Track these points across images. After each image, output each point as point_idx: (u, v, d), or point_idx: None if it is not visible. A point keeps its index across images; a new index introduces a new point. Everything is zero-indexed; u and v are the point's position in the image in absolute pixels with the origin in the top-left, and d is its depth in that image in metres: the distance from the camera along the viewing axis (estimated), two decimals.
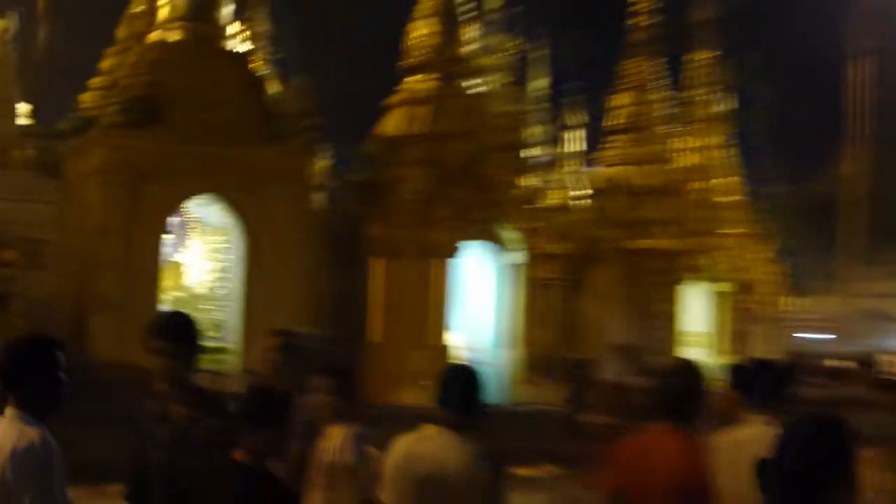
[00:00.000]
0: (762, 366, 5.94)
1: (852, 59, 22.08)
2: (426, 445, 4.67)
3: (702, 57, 26.41)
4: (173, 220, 17.24)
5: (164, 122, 16.51)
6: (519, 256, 19.36)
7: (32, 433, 3.68)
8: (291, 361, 6.70)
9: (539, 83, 22.59)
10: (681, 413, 5.08)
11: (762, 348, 23.21)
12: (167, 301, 16.96)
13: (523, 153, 20.24)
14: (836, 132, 26.96)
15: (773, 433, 4.49)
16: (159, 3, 18.32)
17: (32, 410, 3.75)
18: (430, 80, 19.23)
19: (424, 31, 19.34)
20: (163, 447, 4.58)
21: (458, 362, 7.83)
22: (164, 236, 16.94)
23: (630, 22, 23.68)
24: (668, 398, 5.21)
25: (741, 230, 25.75)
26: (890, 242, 33.74)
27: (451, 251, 18.29)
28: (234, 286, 17.48)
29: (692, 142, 25.53)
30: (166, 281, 17.19)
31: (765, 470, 2.89)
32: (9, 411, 3.77)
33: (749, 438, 4.98)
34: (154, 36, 18.03)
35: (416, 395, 16.28)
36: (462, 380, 4.87)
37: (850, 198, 24.12)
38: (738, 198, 26.26)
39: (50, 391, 3.85)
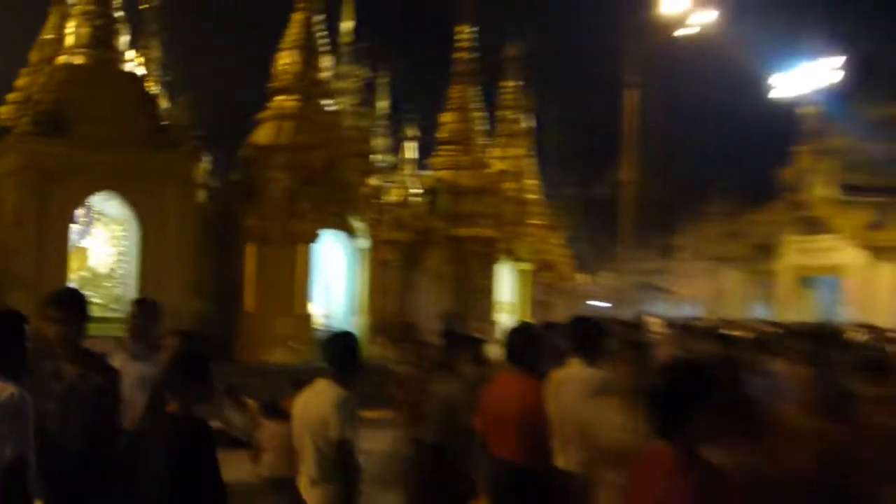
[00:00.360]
0: (578, 323, 6.61)
1: (626, 89, 24.14)
2: (316, 394, 5.12)
3: (509, 84, 28.18)
4: (79, 213, 17.17)
5: (69, 131, 16.54)
6: (365, 242, 19.81)
7: (12, 388, 3.86)
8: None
9: (383, 104, 23.35)
10: (523, 361, 5.86)
11: (559, 313, 24.30)
12: (74, 280, 16.89)
13: (370, 160, 20.65)
14: (615, 146, 28.78)
15: (587, 373, 5.73)
16: (66, 32, 18.18)
17: (6, 371, 3.91)
18: (293, 100, 19.40)
19: (289, 59, 19.51)
20: (56, 400, 4.69)
21: (340, 330, 8.53)
22: (71, 226, 16.91)
23: (455, 56, 24.51)
24: (514, 350, 5.99)
25: (541, 222, 27.75)
26: (654, 232, 36.58)
27: (311, 238, 18.61)
28: (131, 267, 17.46)
29: (503, 152, 27.24)
30: (73, 263, 17.16)
31: (649, 401, 3.45)
32: None
33: (569, 377, 5.79)
34: (62, 59, 17.95)
35: (283, 355, 17.22)
36: (344, 343, 5.40)
37: (625, 197, 26.36)
38: (537, 196, 28.31)
39: (19, 355, 4.04)
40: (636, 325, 13.56)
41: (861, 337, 15.86)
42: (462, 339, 8.40)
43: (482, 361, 7.82)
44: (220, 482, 4.20)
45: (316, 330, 18.46)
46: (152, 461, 4.17)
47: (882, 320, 24.00)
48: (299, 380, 7.94)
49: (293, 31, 19.92)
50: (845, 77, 32.57)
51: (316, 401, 5.03)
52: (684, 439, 3.28)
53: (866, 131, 31.72)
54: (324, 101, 20.09)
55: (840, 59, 32.32)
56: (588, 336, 6.18)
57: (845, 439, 4.42)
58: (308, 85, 19.69)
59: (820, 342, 8.11)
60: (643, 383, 3.93)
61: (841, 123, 32.41)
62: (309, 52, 19.83)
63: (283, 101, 19.67)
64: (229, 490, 4.34)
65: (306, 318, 18.71)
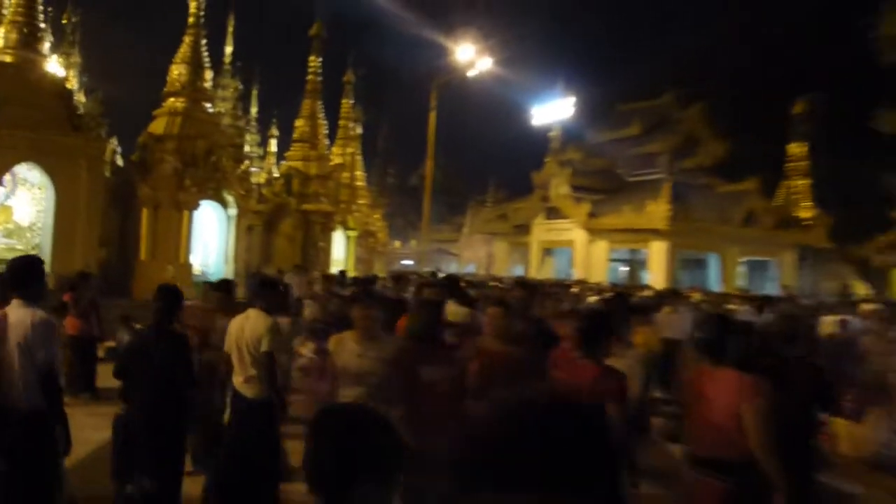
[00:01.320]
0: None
1: (430, 111, 24.69)
2: (249, 319, 4.98)
3: (347, 101, 28.38)
4: (6, 178, 16.37)
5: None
6: (234, 211, 19.70)
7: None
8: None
9: (254, 110, 23.29)
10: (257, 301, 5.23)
11: (377, 268, 25.13)
12: (2, 230, 16.46)
13: (241, 150, 20.47)
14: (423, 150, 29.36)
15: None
16: None
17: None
18: (181, 101, 18.96)
19: (179, 70, 19.09)
20: None
21: (265, 275, 8.24)
22: None
23: (307, 78, 24.43)
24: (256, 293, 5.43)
25: (365, 202, 28.26)
26: (448, 212, 37.86)
27: (192, 206, 18.35)
28: (48, 222, 16.86)
29: (340, 150, 27.62)
30: (0, 217, 16.58)
31: (580, 333, 3.89)
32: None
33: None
34: None
35: None
36: (266, 284, 5.39)
37: (426, 187, 26.98)
38: (363, 184, 28.78)
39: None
40: (432, 275, 14.19)
41: (575, 289, 17.15)
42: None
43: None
44: None
45: (194, 275, 18.32)
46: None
47: (596, 278, 26.10)
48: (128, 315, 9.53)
49: (184, 49, 19.43)
50: (576, 112, 34.44)
51: (251, 324, 4.95)
52: (599, 355, 3.85)
53: (591, 151, 33.87)
54: (206, 104, 19.67)
55: (573, 99, 34.04)
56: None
57: (522, 358, 4.48)
58: (193, 91, 19.23)
59: (528, 291, 8.45)
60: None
61: (574, 144, 34.43)
62: (195, 66, 19.35)
63: (174, 102, 19.15)
64: None
65: (187, 266, 18.37)
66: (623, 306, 6.89)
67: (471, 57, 22.51)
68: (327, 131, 25.13)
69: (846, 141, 35.00)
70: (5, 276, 4.02)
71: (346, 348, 4.43)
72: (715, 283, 28.15)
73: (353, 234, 25.41)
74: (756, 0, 49.13)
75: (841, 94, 37.63)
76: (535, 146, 35.88)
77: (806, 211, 34.13)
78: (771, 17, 46.55)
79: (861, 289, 31.63)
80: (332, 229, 24.01)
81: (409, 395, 3.94)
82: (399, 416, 3.74)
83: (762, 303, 10.19)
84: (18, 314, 3.80)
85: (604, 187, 31.77)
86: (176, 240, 18.30)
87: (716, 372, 3.57)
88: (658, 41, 49.39)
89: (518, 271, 34.00)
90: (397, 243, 37.24)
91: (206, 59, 19.75)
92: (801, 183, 35.33)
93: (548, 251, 33.89)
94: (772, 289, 26.52)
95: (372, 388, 4.18)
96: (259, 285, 5.41)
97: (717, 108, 33.35)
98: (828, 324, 10.03)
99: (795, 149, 35.50)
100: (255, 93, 24.09)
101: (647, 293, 13.97)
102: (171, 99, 19.24)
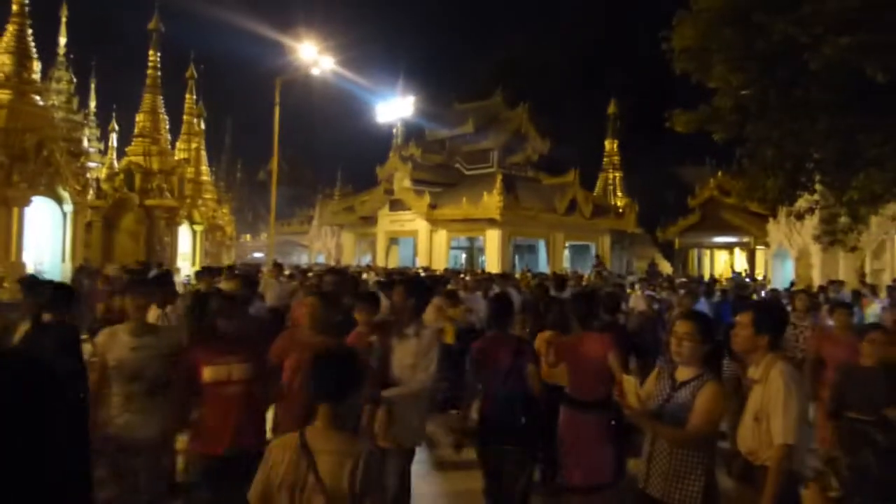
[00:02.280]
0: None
1: (275, 107, 24.05)
2: None
3: (189, 97, 27.34)
4: None
5: None
6: (71, 207, 18.49)
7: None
8: None
9: (93, 104, 21.84)
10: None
11: (228, 262, 24.37)
12: None
13: (77, 145, 19.32)
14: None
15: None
16: None
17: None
18: (6, 93, 17.54)
19: (3, 59, 17.69)
20: None
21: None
22: None
23: (147, 72, 23.47)
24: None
25: (212, 196, 27.37)
26: (298, 205, 37.29)
27: (23, 202, 17.11)
28: None
29: (185, 146, 26.59)
30: None
31: (495, 314, 4.63)
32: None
33: None
34: None
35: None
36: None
37: (273, 181, 26.51)
38: (209, 179, 27.79)
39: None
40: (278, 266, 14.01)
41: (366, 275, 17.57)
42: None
43: None
44: None
45: (28, 274, 16.90)
46: None
47: (438, 265, 26.77)
48: None
49: (7, 38, 18.03)
50: (416, 110, 35.11)
51: None
52: (508, 331, 4.60)
53: (430, 146, 34.65)
54: (35, 96, 18.27)
55: (412, 98, 34.74)
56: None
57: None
58: (20, 83, 17.87)
59: (340, 277, 8.72)
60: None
61: (415, 140, 35.09)
62: (21, 56, 17.99)
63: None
64: None
65: (19, 264, 17.05)
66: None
67: (314, 55, 22.27)
68: (169, 126, 24.26)
69: (650, 138, 38.25)
70: None
71: (119, 341, 3.90)
72: (543, 266, 29.82)
73: (199, 228, 24.66)
74: (575, 11, 52.07)
75: (645, 96, 41.05)
76: (379, 142, 36.24)
77: (619, 200, 36.97)
78: (586, 24, 49.56)
79: (666, 267, 34.81)
80: (177, 224, 23.17)
81: (191, 394, 3.72)
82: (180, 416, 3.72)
83: (562, 281, 11.26)
84: None
85: (442, 181, 32.70)
86: (6, 238, 16.94)
87: (583, 336, 4.63)
88: (489, 43, 51.27)
89: (366, 260, 34.15)
90: (247, 236, 36.16)
91: (33, 50, 18.34)
92: (614, 175, 38.21)
93: (393, 241, 34.35)
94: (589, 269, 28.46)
95: (149, 383, 3.80)
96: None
97: (541, 108, 35.22)
98: (636, 298, 11.07)
99: (609, 145, 38.30)
100: (93, 86, 22.44)
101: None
102: None
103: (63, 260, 18.55)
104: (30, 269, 17.22)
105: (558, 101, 40.22)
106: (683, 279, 19.56)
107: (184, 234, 24.01)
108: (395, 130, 34.87)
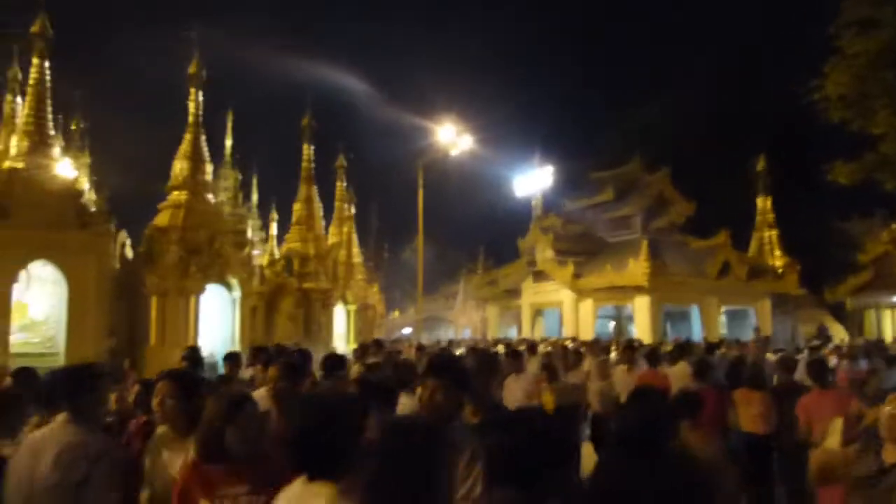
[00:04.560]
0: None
1: (420, 189, 24.81)
2: None
3: (340, 185, 28.66)
4: (21, 275, 16.31)
5: (12, 216, 16.03)
6: (239, 293, 19.66)
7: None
8: None
9: (255, 197, 23.74)
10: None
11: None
12: (17, 327, 16.31)
13: (242, 236, 20.58)
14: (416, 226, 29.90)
15: None
16: (11, 144, 17.81)
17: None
18: (183, 194, 19.16)
19: (181, 166, 19.40)
20: None
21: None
22: (14, 286, 16.12)
23: (302, 165, 24.96)
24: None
25: (362, 277, 28.42)
26: (442, 281, 37.94)
27: (198, 290, 18.42)
28: (61, 316, 16.84)
29: (336, 230, 27.96)
30: (16, 314, 16.42)
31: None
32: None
33: None
34: (6, 164, 17.33)
35: None
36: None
37: (419, 260, 27.05)
38: (360, 260, 28.94)
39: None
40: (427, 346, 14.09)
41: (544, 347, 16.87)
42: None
43: None
44: None
45: (204, 357, 18.14)
46: None
47: (584, 335, 25.99)
48: None
49: (185, 146, 19.85)
50: (554, 182, 35.13)
51: None
52: None
53: (570, 217, 34.34)
54: (207, 195, 19.93)
55: (551, 169, 34.82)
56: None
57: None
58: (195, 184, 19.52)
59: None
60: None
61: (554, 211, 34.94)
62: (196, 160, 19.71)
63: (177, 195, 19.43)
64: None
65: (194, 349, 18.08)
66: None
67: (453, 136, 23.06)
68: (322, 213, 25.48)
69: (804, 193, 35.63)
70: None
71: None
72: (697, 333, 28.09)
73: (352, 307, 25.44)
74: (709, 69, 50.62)
75: (794, 149, 38.58)
76: (519, 216, 36.33)
77: (777, 259, 34.39)
78: (722, 83, 47.90)
79: (839, 331, 31.61)
80: (332, 305, 24.02)
81: None
82: None
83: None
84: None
85: (584, 250, 32.04)
86: (183, 324, 18.22)
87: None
88: (625, 110, 50.81)
89: (511, 333, 33.91)
90: (396, 313, 37.18)
91: (206, 154, 20.08)
92: (770, 234, 35.73)
93: (538, 312, 33.93)
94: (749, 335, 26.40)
95: None
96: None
97: (681, 170, 34.02)
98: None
99: (761, 202, 36.05)
100: (255, 181, 24.57)
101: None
102: (175, 192, 19.48)
103: (232, 343, 19.46)
104: (205, 353, 18.76)
105: (698, 162, 38.68)
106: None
107: (338, 314, 24.86)
108: (533, 203, 34.97)
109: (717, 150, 41.26)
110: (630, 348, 9.86)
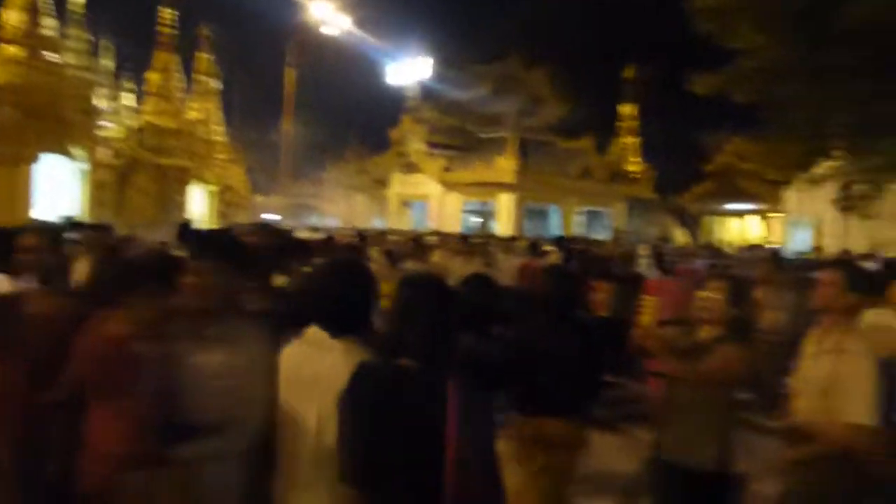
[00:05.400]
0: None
1: (287, 67, 23.95)
2: None
3: (203, 56, 27.00)
4: None
5: None
6: (85, 165, 18.55)
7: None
8: None
9: (107, 62, 21.75)
10: None
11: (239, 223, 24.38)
12: None
13: (90, 103, 19.17)
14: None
15: None
16: None
17: None
18: (20, 50, 17.26)
19: (17, 17, 17.30)
20: None
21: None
22: None
23: (159, 30, 23.18)
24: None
25: (224, 156, 27.20)
26: (309, 167, 37.16)
27: (31, 159, 17.05)
28: None
29: (198, 105, 26.25)
30: None
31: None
32: None
33: None
34: None
35: None
36: None
37: (286, 143, 26.40)
38: (222, 139, 27.56)
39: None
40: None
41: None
42: None
43: None
44: None
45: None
46: None
47: (450, 229, 26.59)
48: None
49: None
50: (432, 73, 34.63)
51: None
52: None
53: (445, 109, 34.23)
54: (48, 53, 18.03)
55: (430, 60, 34.25)
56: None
57: None
58: (33, 39, 17.65)
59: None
60: None
61: (429, 102, 34.64)
62: (35, 11, 17.76)
63: (12, 51, 17.48)
64: None
65: (28, 222, 16.83)
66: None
67: (328, 13, 21.95)
68: (184, 85, 24.01)
69: (668, 102, 37.52)
70: None
71: None
72: (556, 231, 29.65)
73: (212, 188, 24.49)
74: None
75: (663, 59, 40.13)
76: (393, 103, 35.70)
77: (634, 166, 36.52)
78: None
79: (679, 235, 34.54)
80: (188, 183, 23.05)
81: None
82: None
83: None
84: None
85: (457, 144, 32.38)
86: (13, 196, 16.70)
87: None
88: (507, 3, 50.26)
89: (378, 223, 34.07)
90: (260, 197, 36.09)
91: (49, 6, 18.11)
92: (631, 141, 37.65)
93: (406, 204, 34.17)
94: (606, 234, 28.31)
95: None
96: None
97: (557, 72, 34.60)
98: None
99: (625, 110, 37.65)
100: (108, 45, 22.27)
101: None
102: (9, 47, 17.45)
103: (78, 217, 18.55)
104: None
105: (577, 64, 39.43)
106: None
107: (196, 194, 23.92)
108: (407, 93, 34.42)
109: (597, 53, 42.13)
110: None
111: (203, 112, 26.10)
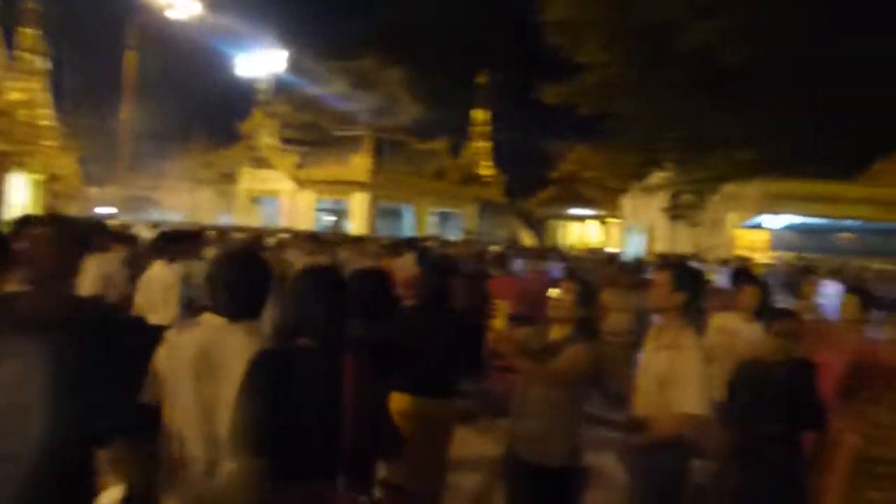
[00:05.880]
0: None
1: (127, 50, 22.43)
2: None
3: (28, 31, 24.56)
4: None
5: None
6: None
7: None
8: None
9: None
10: None
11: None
12: None
13: None
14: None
15: None
16: None
17: None
18: None
19: None
20: None
21: None
22: None
23: None
24: None
25: (52, 143, 24.92)
26: (149, 158, 34.87)
27: None
28: None
29: (22, 85, 23.89)
30: None
31: None
32: None
33: None
34: None
35: None
36: None
37: (124, 131, 24.71)
38: (50, 123, 25.25)
39: None
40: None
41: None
42: None
43: None
44: None
45: None
46: None
47: (303, 227, 26.07)
48: None
49: None
50: (286, 66, 33.85)
51: None
52: None
53: (299, 104, 33.59)
54: None
55: (285, 53, 33.46)
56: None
57: None
58: None
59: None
60: None
61: (281, 96, 33.84)
62: None
63: None
64: None
65: None
66: None
67: None
68: (4, 62, 21.92)
69: (519, 109, 39.12)
70: None
71: None
72: (409, 231, 30.00)
73: (37, 177, 22.40)
74: None
75: (516, 67, 41.79)
76: (243, 95, 34.42)
77: (486, 170, 37.78)
78: None
79: (526, 237, 36.15)
80: (8, 171, 21.26)
81: None
82: None
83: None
84: None
85: (310, 140, 31.90)
86: None
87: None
88: (367, 3, 49.98)
89: (225, 220, 32.71)
90: (94, 189, 33.33)
91: None
92: (483, 145, 38.88)
93: (255, 200, 33.17)
94: (458, 235, 29.02)
95: None
96: None
97: (414, 73, 35.02)
98: None
99: (478, 115, 38.83)
100: None
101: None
102: None
103: None
104: None
105: (433, 66, 40.04)
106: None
107: (17, 183, 21.85)
108: (258, 85, 33.32)
109: (453, 58, 42.94)
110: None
111: (27, 93, 23.73)
